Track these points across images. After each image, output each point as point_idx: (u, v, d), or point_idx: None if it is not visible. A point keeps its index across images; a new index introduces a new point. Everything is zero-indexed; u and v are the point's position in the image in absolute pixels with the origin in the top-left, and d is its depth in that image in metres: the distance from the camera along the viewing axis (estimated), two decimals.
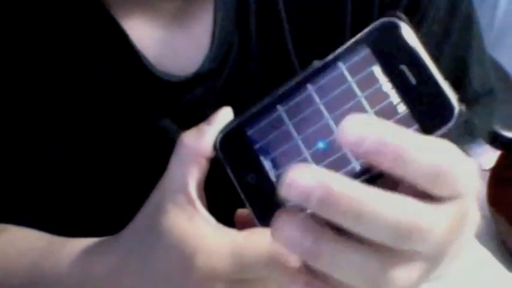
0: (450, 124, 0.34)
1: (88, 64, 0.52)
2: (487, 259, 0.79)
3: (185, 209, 0.41)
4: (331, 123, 0.37)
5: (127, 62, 0.52)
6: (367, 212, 0.30)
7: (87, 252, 0.46)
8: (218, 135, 0.41)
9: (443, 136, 0.34)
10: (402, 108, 0.35)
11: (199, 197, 0.42)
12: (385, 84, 0.36)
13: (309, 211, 0.32)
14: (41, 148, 0.54)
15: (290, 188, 0.30)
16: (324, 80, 0.37)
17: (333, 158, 0.36)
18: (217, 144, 0.41)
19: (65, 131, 0.54)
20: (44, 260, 0.49)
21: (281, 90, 0.39)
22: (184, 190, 0.42)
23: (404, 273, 0.33)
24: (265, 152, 0.40)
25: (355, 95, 0.36)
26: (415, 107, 0.34)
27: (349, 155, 0.36)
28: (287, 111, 0.39)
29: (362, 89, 0.36)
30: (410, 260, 0.33)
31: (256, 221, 0.41)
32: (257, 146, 0.40)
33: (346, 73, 0.37)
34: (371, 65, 0.36)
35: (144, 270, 0.43)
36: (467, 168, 0.32)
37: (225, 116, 0.43)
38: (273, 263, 0.40)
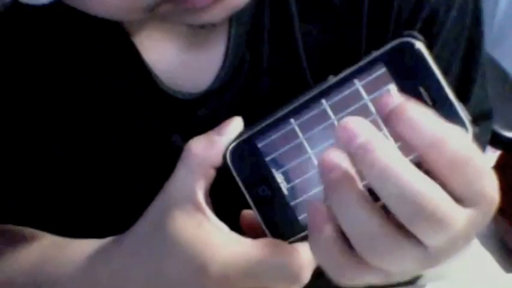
0: None
1: (100, 79, 0.52)
2: (487, 259, 0.79)
3: (193, 216, 0.41)
4: None
5: (138, 79, 0.52)
6: (396, 176, 0.31)
7: (90, 256, 0.46)
8: (229, 146, 0.41)
9: None
10: None
11: (207, 204, 0.42)
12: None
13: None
14: (44, 149, 0.54)
15: (344, 129, 0.33)
16: (339, 96, 0.37)
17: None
18: (228, 155, 0.41)
19: (70, 135, 0.54)
20: (46, 261, 0.49)
21: (295, 103, 0.39)
22: (193, 199, 0.42)
23: (400, 256, 0.34)
24: (277, 164, 0.40)
25: (370, 113, 0.36)
26: None
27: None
28: (300, 125, 0.39)
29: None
30: (412, 247, 0.34)
31: (267, 232, 0.41)
32: (268, 158, 0.40)
33: (362, 90, 0.37)
34: (387, 83, 0.36)
35: (151, 276, 0.43)
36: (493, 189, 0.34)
37: (235, 126, 0.43)
38: (285, 272, 0.41)
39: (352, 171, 0.34)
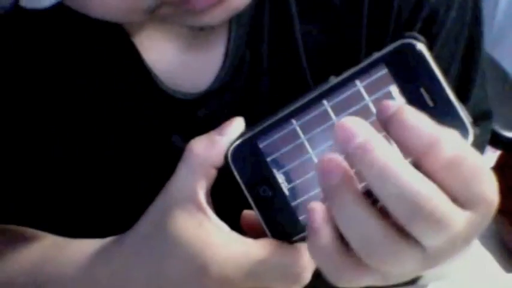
0: None
1: (100, 80, 0.52)
2: (487, 259, 0.79)
3: (194, 216, 0.41)
4: None
5: (138, 79, 0.52)
6: (395, 176, 0.32)
7: (90, 256, 0.46)
8: (230, 146, 0.41)
9: None
10: None
11: (208, 204, 0.42)
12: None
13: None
14: (44, 150, 0.54)
15: (342, 129, 0.33)
16: (341, 96, 0.37)
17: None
18: (229, 155, 0.41)
19: (70, 136, 0.54)
20: (47, 261, 0.49)
21: (296, 104, 0.39)
22: (194, 199, 0.42)
23: (398, 257, 0.34)
24: (278, 165, 0.40)
25: (371, 114, 0.36)
26: None
27: None
28: (302, 126, 0.39)
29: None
30: (411, 248, 0.34)
31: (267, 232, 0.41)
32: (270, 158, 0.40)
33: (363, 91, 0.37)
34: (388, 84, 0.36)
35: (152, 275, 0.43)
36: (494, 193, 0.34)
37: (237, 126, 0.43)
38: (286, 272, 0.41)
39: (350, 173, 0.34)
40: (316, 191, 0.39)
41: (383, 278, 0.36)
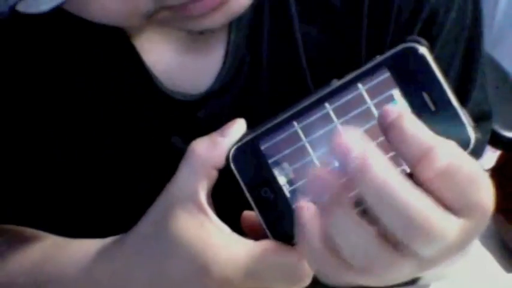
0: (467, 151, 0.35)
1: (100, 82, 0.52)
2: (487, 259, 0.79)
3: (196, 216, 0.42)
4: None
5: (138, 81, 0.52)
6: (392, 195, 0.32)
7: (91, 256, 0.46)
8: (231, 148, 0.41)
9: None
10: None
11: (209, 205, 0.42)
12: (404, 109, 0.36)
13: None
14: (45, 152, 0.54)
15: (339, 144, 0.32)
16: (343, 99, 0.37)
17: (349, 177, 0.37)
18: (231, 157, 0.41)
19: (70, 137, 0.54)
20: (47, 261, 0.49)
21: (298, 106, 0.39)
22: (195, 199, 0.42)
23: (392, 266, 0.34)
24: (280, 167, 0.40)
25: (373, 117, 0.37)
26: (433, 132, 0.34)
27: None
28: (303, 128, 0.39)
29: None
30: (405, 258, 0.34)
31: (268, 234, 0.41)
32: (271, 160, 0.40)
33: (365, 95, 0.37)
34: (391, 88, 0.36)
35: (154, 275, 0.43)
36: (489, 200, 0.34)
37: (238, 128, 0.43)
38: (286, 273, 0.41)
39: (340, 187, 0.34)
40: None
41: (377, 281, 0.36)
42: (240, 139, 0.42)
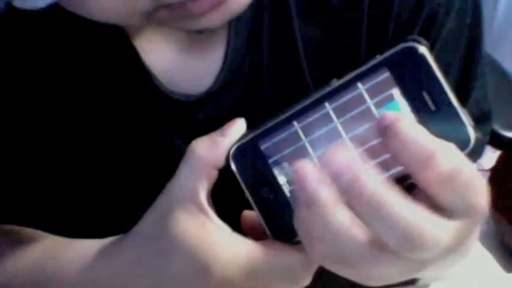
0: (466, 151, 0.35)
1: (100, 81, 0.52)
2: (487, 259, 0.79)
3: (196, 216, 0.42)
4: (348, 142, 0.37)
5: (138, 81, 0.52)
6: (382, 209, 0.32)
7: (91, 256, 0.46)
8: (232, 148, 0.42)
9: None
10: None
11: (209, 205, 0.42)
12: (404, 108, 0.36)
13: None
14: (44, 152, 0.54)
15: (331, 159, 0.33)
16: (342, 99, 0.37)
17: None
18: (231, 157, 0.41)
19: (69, 137, 0.54)
20: (47, 261, 0.49)
21: (298, 106, 0.39)
22: (195, 199, 0.42)
23: (385, 270, 0.35)
24: (280, 166, 0.40)
25: (373, 117, 0.37)
26: (433, 132, 0.34)
27: None
28: (303, 128, 0.39)
29: (380, 111, 0.36)
30: (395, 261, 0.34)
31: (268, 234, 0.41)
32: (271, 160, 0.40)
33: (365, 94, 0.37)
34: (390, 88, 0.36)
35: (154, 275, 0.43)
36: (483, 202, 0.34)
37: (239, 127, 0.43)
38: (287, 273, 0.41)
39: (327, 184, 0.34)
40: None
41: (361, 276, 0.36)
42: (240, 139, 0.42)
